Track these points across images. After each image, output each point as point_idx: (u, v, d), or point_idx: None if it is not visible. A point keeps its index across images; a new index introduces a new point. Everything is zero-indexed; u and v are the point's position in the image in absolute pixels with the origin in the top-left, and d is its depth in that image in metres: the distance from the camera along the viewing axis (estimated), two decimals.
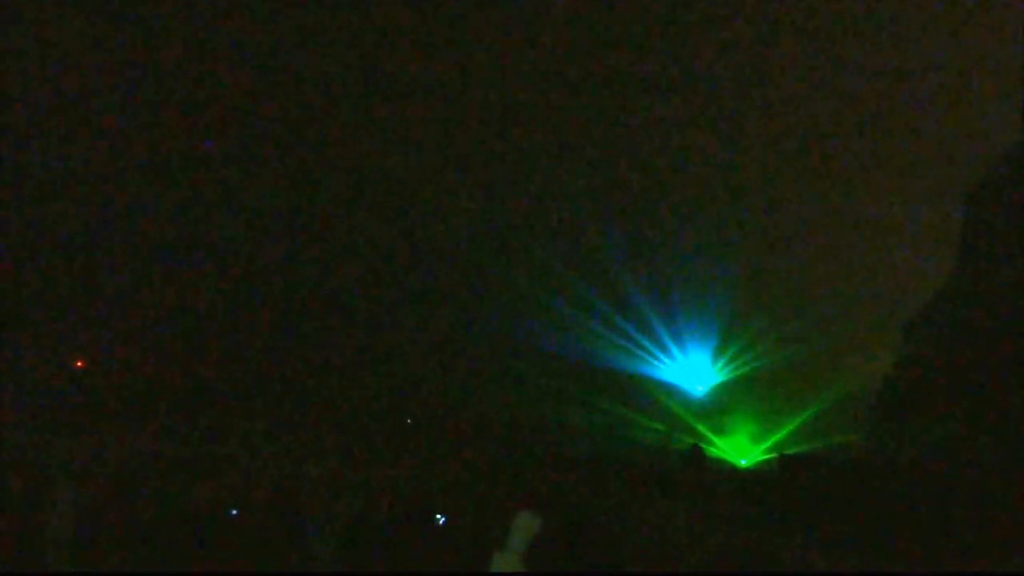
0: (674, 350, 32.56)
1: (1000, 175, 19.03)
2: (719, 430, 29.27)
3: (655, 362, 32.48)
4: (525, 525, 4.49)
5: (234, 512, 8.59)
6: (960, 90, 28.27)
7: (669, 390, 31.98)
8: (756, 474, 24.00)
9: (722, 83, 34.09)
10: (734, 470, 25.93)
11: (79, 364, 30.37)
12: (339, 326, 33.08)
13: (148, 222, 33.39)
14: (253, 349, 31.87)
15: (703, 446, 25.65)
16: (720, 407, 30.63)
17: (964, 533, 11.61)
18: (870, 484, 14.80)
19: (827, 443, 25.26)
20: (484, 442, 23.03)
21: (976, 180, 20.15)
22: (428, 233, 35.17)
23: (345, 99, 35.82)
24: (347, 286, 34.09)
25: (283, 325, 32.80)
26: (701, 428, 29.22)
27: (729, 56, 33.78)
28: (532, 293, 33.39)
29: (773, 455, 26.33)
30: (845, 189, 31.83)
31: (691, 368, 32.44)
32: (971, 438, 15.56)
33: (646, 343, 32.46)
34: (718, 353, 32.16)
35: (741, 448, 28.14)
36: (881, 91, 31.22)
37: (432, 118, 36.36)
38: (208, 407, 24.15)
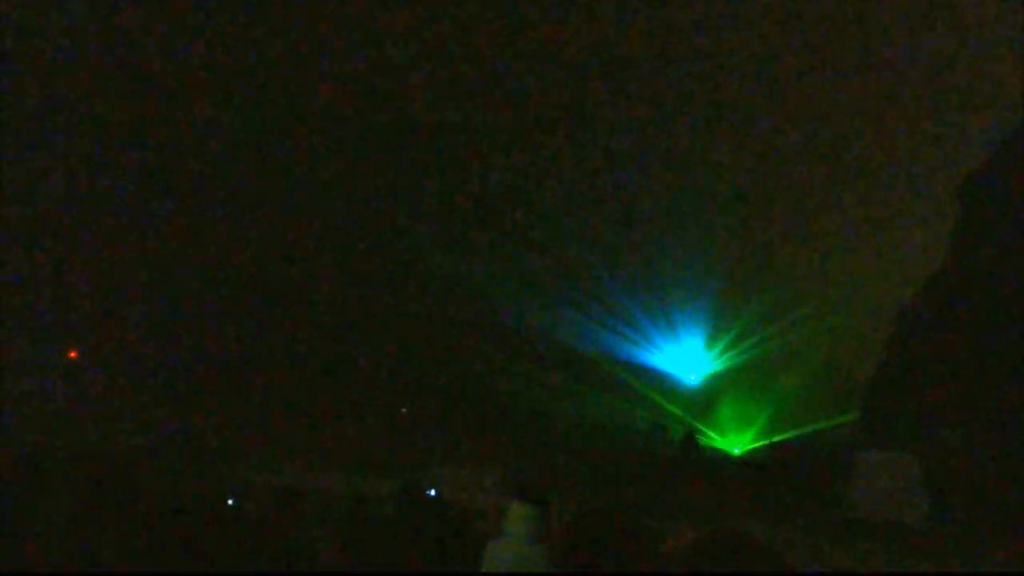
0: (667, 338, 32.62)
1: (995, 164, 19.14)
2: (712, 418, 29.41)
3: (647, 350, 32.55)
4: (520, 514, 4.54)
5: (231, 502, 8.60)
6: (954, 79, 28.29)
7: (661, 378, 32.05)
8: (749, 462, 24.16)
9: (718, 74, 34.02)
10: (727, 457, 26.11)
11: (72, 355, 30.27)
12: (332, 315, 33.05)
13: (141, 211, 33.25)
14: (250, 340, 31.83)
15: (696, 435, 25.77)
16: (713, 395, 30.77)
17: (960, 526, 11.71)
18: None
19: (819, 430, 25.45)
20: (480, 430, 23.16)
21: (971, 169, 20.26)
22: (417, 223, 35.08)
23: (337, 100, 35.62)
24: (341, 276, 34.05)
25: (281, 315, 32.75)
26: (694, 416, 29.34)
27: (723, 48, 33.70)
28: (518, 278, 33.37)
29: (765, 443, 26.53)
30: (839, 178, 31.85)
31: (684, 356, 32.50)
32: (962, 424, 15.70)
33: (638, 330, 32.50)
34: (711, 341, 32.25)
35: (734, 436, 28.31)
36: (874, 80, 31.21)
37: (431, 115, 36.17)
38: (204, 398, 24.15)
